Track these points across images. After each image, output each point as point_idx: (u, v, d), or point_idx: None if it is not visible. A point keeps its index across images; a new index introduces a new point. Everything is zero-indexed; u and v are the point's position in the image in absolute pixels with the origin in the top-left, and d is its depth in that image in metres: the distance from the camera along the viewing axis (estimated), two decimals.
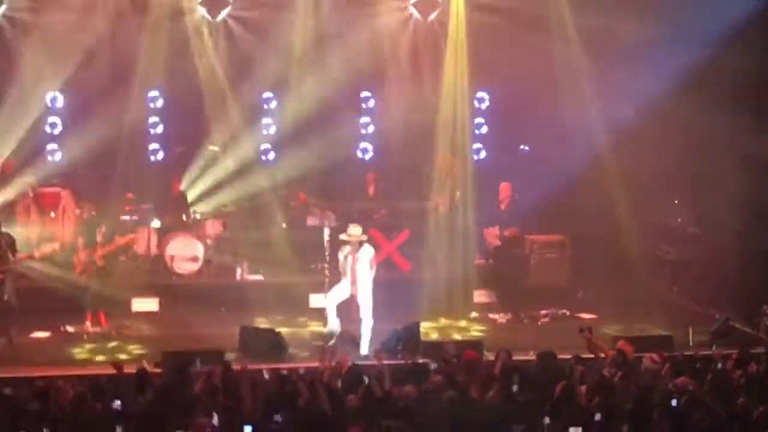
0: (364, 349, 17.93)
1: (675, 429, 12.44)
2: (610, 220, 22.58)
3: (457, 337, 19.38)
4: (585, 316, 20.99)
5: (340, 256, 18.53)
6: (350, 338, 18.23)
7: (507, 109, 23.69)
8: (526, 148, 24.25)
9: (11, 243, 18.89)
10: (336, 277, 19.03)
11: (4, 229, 18.92)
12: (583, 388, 13.39)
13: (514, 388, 13.66)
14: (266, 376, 14.14)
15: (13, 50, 21.92)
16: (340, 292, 18.45)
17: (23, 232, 21.32)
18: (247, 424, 12.00)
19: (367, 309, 18.20)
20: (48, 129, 22.81)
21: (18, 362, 16.90)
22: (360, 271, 18.20)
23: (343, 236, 18.52)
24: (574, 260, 22.62)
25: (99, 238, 19.75)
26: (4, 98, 21.72)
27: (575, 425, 12.20)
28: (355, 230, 18.33)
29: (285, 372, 14.51)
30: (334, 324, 18.44)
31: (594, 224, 22.75)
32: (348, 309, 18.62)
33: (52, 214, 21.70)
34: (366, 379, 13.76)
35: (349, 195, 23.41)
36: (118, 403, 12.66)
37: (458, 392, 13.04)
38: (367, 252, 18.31)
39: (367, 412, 12.48)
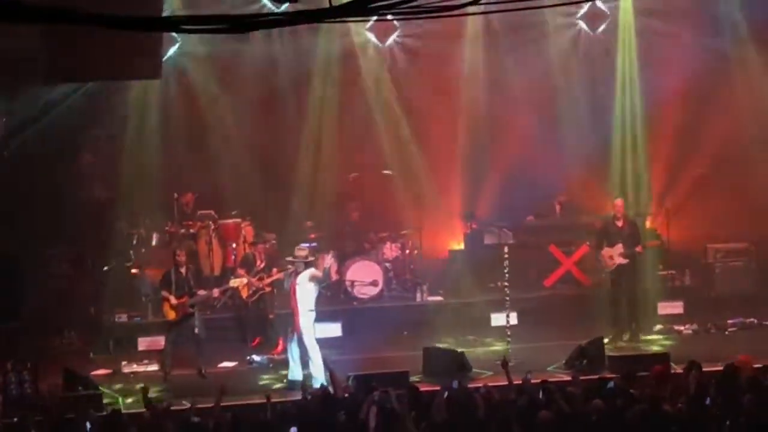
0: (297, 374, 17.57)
1: None
2: None
3: (643, 350, 19.12)
4: None
5: (285, 281, 18.27)
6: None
7: (681, 115, 23.17)
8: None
9: (196, 276, 19.41)
10: (513, 294, 18.99)
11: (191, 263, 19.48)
12: None
13: (707, 400, 13.35)
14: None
15: (186, 88, 22.41)
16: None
17: (206, 263, 21.83)
18: None
19: (307, 334, 17.60)
20: (221, 162, 23.19)
21: (208, 392, 17.15)
22: (300, 294, 17.64)
23: (288, 258, 18.32)
24: (761, 267, 22.07)
25: (259, 265, 20.05)
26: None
27: None
28: (300, 252, 18.01)
29: (455, 385, 14.43)
30: (296, 367, 17.83)
31: None
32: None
33: (234, 245, 22.04)
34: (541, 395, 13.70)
35: (528, 212, 23.24)
36: (294, 430, 12.88)
37: (650, 406, 12.79)
38: (307, 274, 17.73)
39: (559, 427, 12.36)
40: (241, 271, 20.11)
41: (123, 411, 15.80)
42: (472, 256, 22.58)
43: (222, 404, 14.44)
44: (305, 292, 17.64)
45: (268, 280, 19.73)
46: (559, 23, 23.04)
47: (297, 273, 17.77)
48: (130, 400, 17.19)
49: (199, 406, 15.10)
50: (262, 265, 20.00)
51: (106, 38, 14.18)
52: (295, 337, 17.67)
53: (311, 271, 17.80)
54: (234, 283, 19.55)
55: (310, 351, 17.55)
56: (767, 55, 22.03)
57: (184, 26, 8.61)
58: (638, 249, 20.08)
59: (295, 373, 17.74)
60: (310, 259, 18.10)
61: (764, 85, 22.28)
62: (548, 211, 23.48)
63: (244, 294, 20.00)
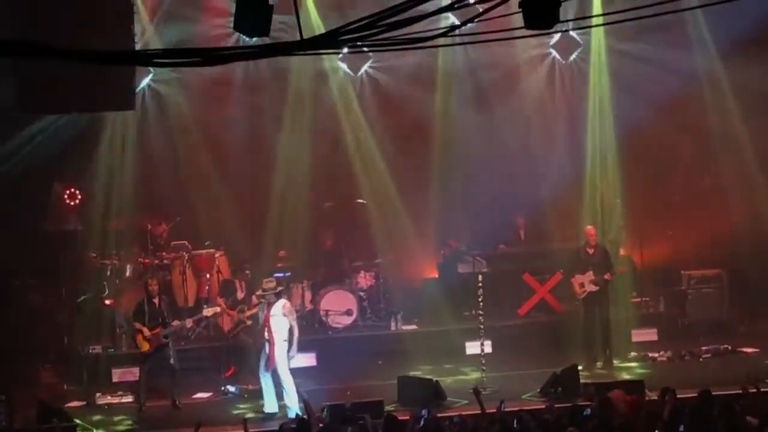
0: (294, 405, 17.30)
1: None
2: (767, 248, 22.13)
3: (617, 377, 19.14)
4: (748, 350, 20.57)
5: (259, 314, 18.18)
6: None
7: (653, 140, 23.25)
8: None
9: (170, 306, 19.37)
10: (488, 323, 18.99)
11: (164, 294, 19.44)
12: (755, 420, 13.10)
13: (681, 428, 13.37)
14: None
15: (158, 119, 22.39)
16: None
17: (180, 294, 21.79)
18: None
19: (281, 366, 17.49)
20: (194, 193, 23.09)
21: (182, 424, 17.08)
22: (274, 325, 17.54)
23: (258, 292, 18.28)
24: (733, 293, 22.18)
25: (240, 296, 20.09)
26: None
27: None
28: (269, 284, 17.92)
29: (424, 414, 14.41)
30: (270, 397, 17.78)
31: (751, 255, 22.26)
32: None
33: (208, 276, 22.01)
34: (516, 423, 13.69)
35: (499, 240, 23.26)
36: None
37: None
38: (279, 305, 17.63)
39: None
40: (219, 300, 20.12)
41: None
42: (446, 284, 22.58)
43: None
44: (279, 323, 17.60)
45: (249, 313, 19.62)
46: (532, 53, 23.14)
47: (269, 304, 17.73)
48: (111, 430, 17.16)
49: None
50: (243, 296, 20.01)
51: (79, 70, 14.20)
52: (270, 368, 17.62)
53: (283, 302, 17.76)
54: (207, 312, 19.50)
55: (284, 381, 17.51)
56: (738, 76, 22.13)
57: (157, 60, 8.65)
58: (607, 276, 20.15)
59: (271, 405, 17.69)
60: (280, 289, 18.08)
61: (735, 108, 22.39)
62: (514, 238, 23.50)
63: (226, 327, 20.01)
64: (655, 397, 15.21)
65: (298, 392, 17.33)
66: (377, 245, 23.00)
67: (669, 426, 13.28)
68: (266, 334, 17.60)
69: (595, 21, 20.35)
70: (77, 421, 17.35)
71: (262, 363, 17.74)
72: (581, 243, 20.65)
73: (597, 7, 21.17)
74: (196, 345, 20.98)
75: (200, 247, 22.41)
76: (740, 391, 14.76)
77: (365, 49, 15.40)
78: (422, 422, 13.89)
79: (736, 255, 22.52)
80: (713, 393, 14.42)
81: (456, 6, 9.31)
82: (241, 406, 18.42)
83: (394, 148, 23.05)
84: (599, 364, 19.91)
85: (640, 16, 10.14)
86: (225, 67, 20.93)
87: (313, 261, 23.08)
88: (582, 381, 18.14)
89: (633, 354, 20.63)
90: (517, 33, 9.62)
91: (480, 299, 18.89)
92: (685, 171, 23.46)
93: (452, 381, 19.15)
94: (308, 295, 22.29)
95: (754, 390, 14.55)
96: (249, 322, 19.63)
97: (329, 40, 8.21)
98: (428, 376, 18.72)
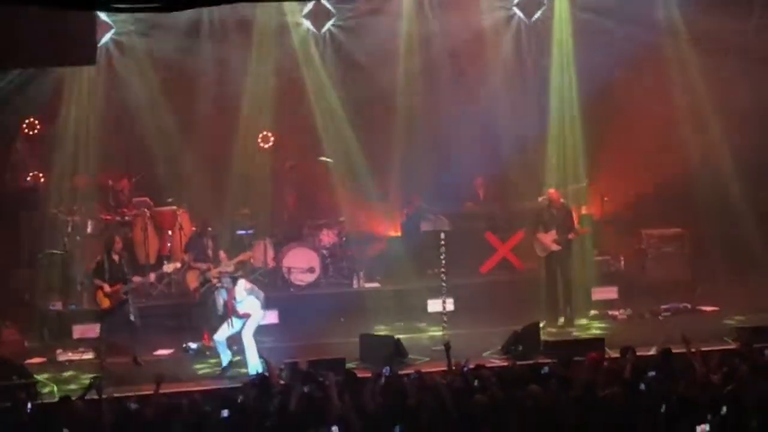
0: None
1: None
2: (727, 209, 22.30)
3: (578, 335, 19.26)
4: (706, 308, 20.73)
5: (218, 298, 18.12)
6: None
7: (616, 106, 23.26)
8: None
9: (131, 263, 19.26)
10: (450, 281, 18.98)
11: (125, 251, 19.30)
12: (716, 377, 13.23)
13: (642, 386, 13.43)
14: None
15: (121, 75, 22.17)
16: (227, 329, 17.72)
17: (141, 251, 21.69)
18: None
19: (248, 331, 17.52)
20: (156, 150, 22.93)
21: (143, 380, 17.01)
22: (245, 308, 17.59)
23: (214, 275, 18.48)
24: (694, 253, 22.32)
25: (209, 254, 19.98)
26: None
27: (702, 420, 12.00)
28: (226, 268, 18.18)
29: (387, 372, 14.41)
30: (226, 356, 17.79)
31: (711, 214, 22.42)
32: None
33: (170, 233, 21.92)
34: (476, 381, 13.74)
35: (460, 198, 23.28)
36: (225, 412, 12.87)
37: (584, 392, 12.87)
38: (241, 287, 17.63)
39: (494, 411, 12.43)
40: (186, 255, 20.01)
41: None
42: (409, 242, 22.59)
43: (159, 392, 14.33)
44: (248, 303, 17.59)
45: (215, 271, 19.32)
46: (496, 14, 23.04)
47: (228, 291, 17.64)
48: (72, 387, 17.05)
49: (136, 393, 15.09)
50: (211, 254, 19.87)
51: (38, 23, 14.00)
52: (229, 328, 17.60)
53: (242, 283, 17.72)
54: (168, 268, 19.38)
55: (248, 344, 17.50)
56: (701, 52, 22.25)
57: (116, 5, 8.54)
58: (570, 236, 20.23)
59: (226, 358, 17.66)
60: (237, 273, 18.03)
61: (698, 78, 22.46)
62: (473, 197, 23.53)
63: (192, 285, 19.94)
64: (616, 355, 15.32)
65: (258, 352, 17.31)
66: (340, 203, 22.95)
67: (629, 384, 13.35)
68: (239, 314, 17.54)
69: None
70: (37, 377, 17.26)
71: (223, 331, 17.67)
72: (545, 203, 20.68)
73: None
74: (157, 302, 20.91)
75: (162, 203, 22.32)
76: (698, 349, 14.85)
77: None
78: (383, 380, 13.90)
79: (697, 215, 22.66)
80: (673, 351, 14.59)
81: None
82: (202, 363, 18.38)
83: (357, 106, 22.96)
84: (560, 321, 20.00)
85: None
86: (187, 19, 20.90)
87: (275, 218, 23.00)
88: (543, 339, 18.22)
89: (593, 312, 20.75)
90: None
91: (442, 257, 18.89)
92: (647, 128, 23.47)
93: (414, 339, 19.19)
94: (271, 253, 22.22)
95: (694, 350, 14.59)
96: (215, 281, 19.30)
97: None
98: (390, 334, 18.75)
